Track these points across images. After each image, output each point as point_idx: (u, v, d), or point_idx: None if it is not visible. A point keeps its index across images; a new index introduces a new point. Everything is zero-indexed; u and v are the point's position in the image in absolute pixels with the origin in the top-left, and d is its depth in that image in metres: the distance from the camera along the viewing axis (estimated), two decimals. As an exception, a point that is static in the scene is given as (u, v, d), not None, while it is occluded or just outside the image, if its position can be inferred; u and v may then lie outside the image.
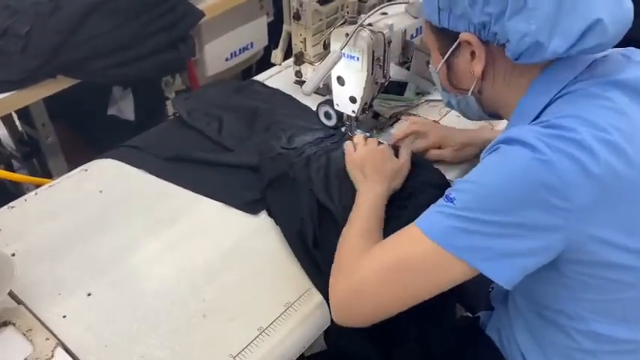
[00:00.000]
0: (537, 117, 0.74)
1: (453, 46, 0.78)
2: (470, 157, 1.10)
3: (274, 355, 0.81)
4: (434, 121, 1.22)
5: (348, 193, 1.01)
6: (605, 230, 0.68)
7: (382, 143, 1.09)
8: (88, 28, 1.37)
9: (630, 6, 0.72)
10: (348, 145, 1.07)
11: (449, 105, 0.92)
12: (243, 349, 0.81)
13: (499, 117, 0.86)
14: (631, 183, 0.67)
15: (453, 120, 1.26)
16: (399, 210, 0.97)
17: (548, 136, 0.66)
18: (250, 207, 1.03)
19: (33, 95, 1.38)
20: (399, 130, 1.11)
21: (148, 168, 1.11)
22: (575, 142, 0.65)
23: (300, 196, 1.02)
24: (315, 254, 0.92)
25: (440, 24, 0.78)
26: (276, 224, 0.99)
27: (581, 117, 0.68)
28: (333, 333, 0.90)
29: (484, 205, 0.68)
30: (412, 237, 0.73)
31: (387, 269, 0.74)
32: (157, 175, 1.10)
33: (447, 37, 0.79)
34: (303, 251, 0.93)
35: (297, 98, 1.32)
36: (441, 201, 0.72)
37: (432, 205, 0.74)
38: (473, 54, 0.77)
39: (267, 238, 0.98)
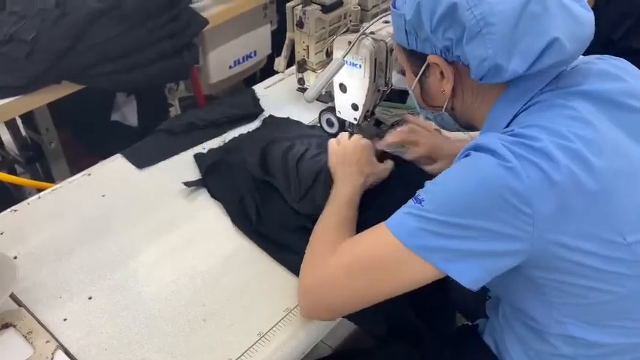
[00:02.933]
0: (506, 127, 0.76)
1: (423, 67, 0.82)
2: None
3: (274, 361, 0.81)
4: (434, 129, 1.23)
5: (287, 165, 1.10)
6: (570, 237, 0.69)
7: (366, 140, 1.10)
8: (94, 34, 1.38)
9: (589, 20, 0.74)
10: (331, 142, 1.09)
11: (427, 119, 0.95)
12: (242, 354, 0.81)
13: (475, 129, 0.88)
14: (593, 191, 0.68)
15: (455, 128, 1.26)
16: (376, 210, 0.98)
17: (513, 144, 0.68)
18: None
19: (37, 100, 1.39)
20: (391, 135, 1.13)
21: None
22: (537, 149, 0.67)
23: (236, 177, 1.09)
24: (260, 229, 0.98)
25: (409, 46, 0.82)
26: (223, 207, 1.05)
27: (544, 126, 0.70)
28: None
29: (451, 208, 0.69)
30: (380, 236, 0.74)
31: (354, 265, 0.77)
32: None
33: (417, 58, 0.82)
34: (249, 228, 0.99)
35: (299, 105, 1.33)
36: (410, 202, 0.74)
37: (402, 206, 0.75)
38: (442, 74, 0.80)
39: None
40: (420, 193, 0.73)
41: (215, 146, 1.20)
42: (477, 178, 0.69)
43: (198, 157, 1.17)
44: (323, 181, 1.06)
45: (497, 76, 0.73)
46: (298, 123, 1.28)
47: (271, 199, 1.05)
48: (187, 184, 1.10)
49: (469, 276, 0.70)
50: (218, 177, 1.11)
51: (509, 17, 0.70)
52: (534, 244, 0.68)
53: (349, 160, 1.02)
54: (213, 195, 1.08)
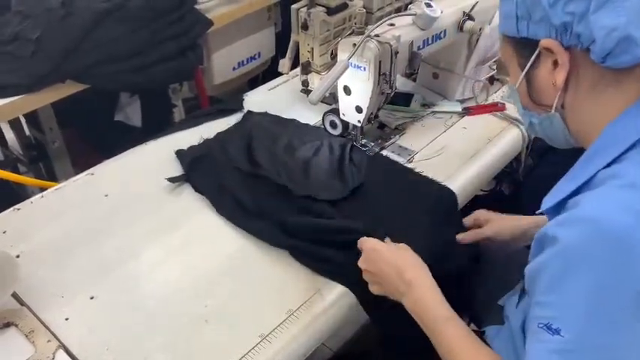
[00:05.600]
0: (623, 153, 0.65)
1: (534, 56, 0.72)
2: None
3: (275, 363, 0.81)
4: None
5: (275, 157, 1.14)
6: None
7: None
8: (99, 34, 1.39)
9: None
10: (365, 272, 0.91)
11: (530, 128, 0.82)
12: (244, 356, 0.80)
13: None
14: None
15: (458, 132, 1.26)
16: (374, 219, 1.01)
17: (634, 211, 0.59)
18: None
19: (41, 99, 1.39)
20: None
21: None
22: None
23: (220, 170, 1.12)
24: (258, 222, 1.00)
25: (519, 34, 0.72)
26: (208, 199, 1.07)
27: None
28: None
29: (594, 322, 0.60)
30: None
31: None
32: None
33: (525, 47, 0.73)
34: (236, 218, 1.02)
35: (303, 107, 1.33)
36: (543, 334, 0.62)
37: (534, 341, 0.64)
38: (555, 63, 0.70)
39: (270, 245, 0.98)
40: (549, 319, 0.62)
41: (195, 143, 1.21)
42: (605, 273, 0.59)
43: (179, 154, 1.18)
44: (315, 166, 1.13)
45: (625, 52, 0.63)
46: (277, 117, 1.30)
47: (260, 188, 1.07)
48: (171, 179, 1.10)
49: None
50: (201, 172, 1.12)
51: None
52: None
53: (388, 279, 0.87)
54: (198, 189, 1.09)
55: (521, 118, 0.84)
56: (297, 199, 1.04)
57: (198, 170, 1.13)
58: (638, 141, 0.65)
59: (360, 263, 0.90)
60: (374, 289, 0.90)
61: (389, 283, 0.87)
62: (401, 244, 0.91)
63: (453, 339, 0.79)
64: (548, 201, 0.72)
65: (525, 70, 0.74)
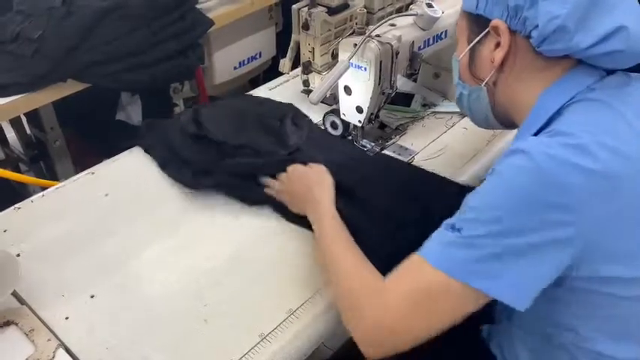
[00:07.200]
0: (548, 123, 0.74)
1: (482, 33, 0.80)
2: None
3: (275, 362, 0.81)
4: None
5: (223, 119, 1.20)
6: (610, 240, 0.67)
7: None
8: (100, 33, 1.39)
9: None
10: (278, 190, 1.05)
11: (459, 99, 0.91)
12: (244, 355, 0.81)
13: (505, 123, 0.86)
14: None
15: (459, 132, 1.26)
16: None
17: (556, 146, 0.67)
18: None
19: (43, 98, 1.39)
20: None
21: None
22: (579, 147, 0.66)
23: (169, 132, 1.18)
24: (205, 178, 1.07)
25: (476, 10, 0.80)
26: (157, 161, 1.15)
27: (591, 124, 0.69)
28: None
29: (489, 228, 0.67)
30: (423, 271, 0.71)
31: (409, 306, 0.72)
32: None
33: (478, 24, 0.80)
34: (185, 176, 1.09)
35: (304, 107, 1.33)
36: (443, 232, 0.72)
37: (430, 238, 0.73)
38: (498, 45, 0.78)
39: (271, 244, 0.98)
40: (455, 221, 0.71)
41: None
42: (513, 187, 0.67)
43: (141, 130, 1.24)
44: (262, 129, 1.18)
45: (559, 41, 0.71)
46: (229, 101, 1.36)
47: (204, 149, 1.12)
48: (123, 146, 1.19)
49: (520, 297, 0.68)
50: (151, 137, 1.20)
51: None
52: (580, 240, 0.66)
53: (300, 198, 0.99)
54: (147, 151, 1.17)
55: (455, 88, 0.92)
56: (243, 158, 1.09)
57: (149, 137, 1.19)
58: (559, 111, 0.74)
59: (279, 184, 1.03)
60: (293, 208, 1.01)
61: (299, 200, 0.99)
62: (317, 165, 1.02)
63: (330, 239, 0.87)
64: None
65: (471, 44, 0.82)
